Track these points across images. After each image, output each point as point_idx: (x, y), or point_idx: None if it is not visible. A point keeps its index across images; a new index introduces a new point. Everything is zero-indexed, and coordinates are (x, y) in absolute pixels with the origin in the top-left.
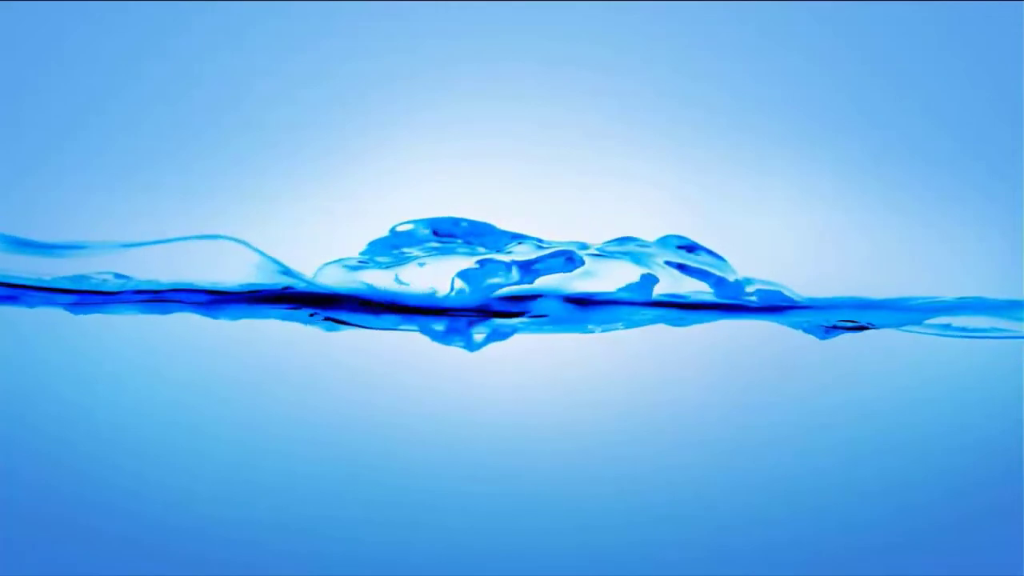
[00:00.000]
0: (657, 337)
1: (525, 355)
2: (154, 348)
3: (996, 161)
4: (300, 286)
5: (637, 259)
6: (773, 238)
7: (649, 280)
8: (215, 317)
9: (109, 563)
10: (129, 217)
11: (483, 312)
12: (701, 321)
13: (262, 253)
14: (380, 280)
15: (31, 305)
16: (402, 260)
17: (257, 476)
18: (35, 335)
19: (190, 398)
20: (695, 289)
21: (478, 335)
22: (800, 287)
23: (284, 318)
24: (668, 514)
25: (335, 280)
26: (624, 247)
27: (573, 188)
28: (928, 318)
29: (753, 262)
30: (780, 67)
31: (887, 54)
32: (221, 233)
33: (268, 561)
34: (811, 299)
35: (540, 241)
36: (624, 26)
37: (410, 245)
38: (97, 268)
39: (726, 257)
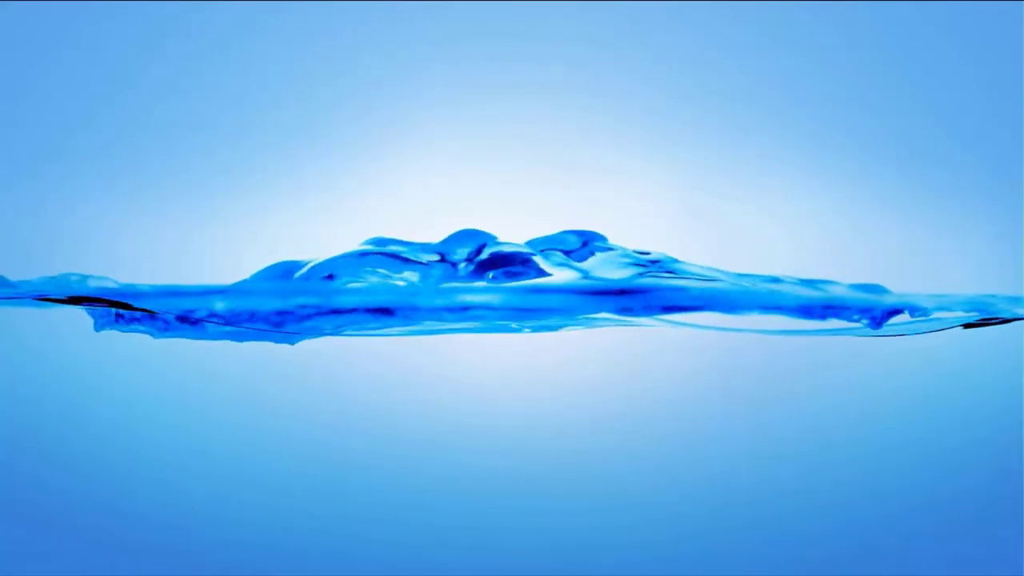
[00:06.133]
0: (658, 338)
1: (522, 357)
2: (150, 348)
3: (996, 161)
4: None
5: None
6: (772, 237)
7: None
8: None
9: (109, 564)
10: (129, 216)
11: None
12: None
13: None
14: None
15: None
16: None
17: (255, 477)
18: (33, 334)
19: (189, 400)
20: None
21: None
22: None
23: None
24: (667, 515)
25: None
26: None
27: (572, 188)
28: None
29: (752, 262)
30: (780, 67)
31: (887, 54)
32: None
33: (265, 562)
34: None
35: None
36: (623, 26)
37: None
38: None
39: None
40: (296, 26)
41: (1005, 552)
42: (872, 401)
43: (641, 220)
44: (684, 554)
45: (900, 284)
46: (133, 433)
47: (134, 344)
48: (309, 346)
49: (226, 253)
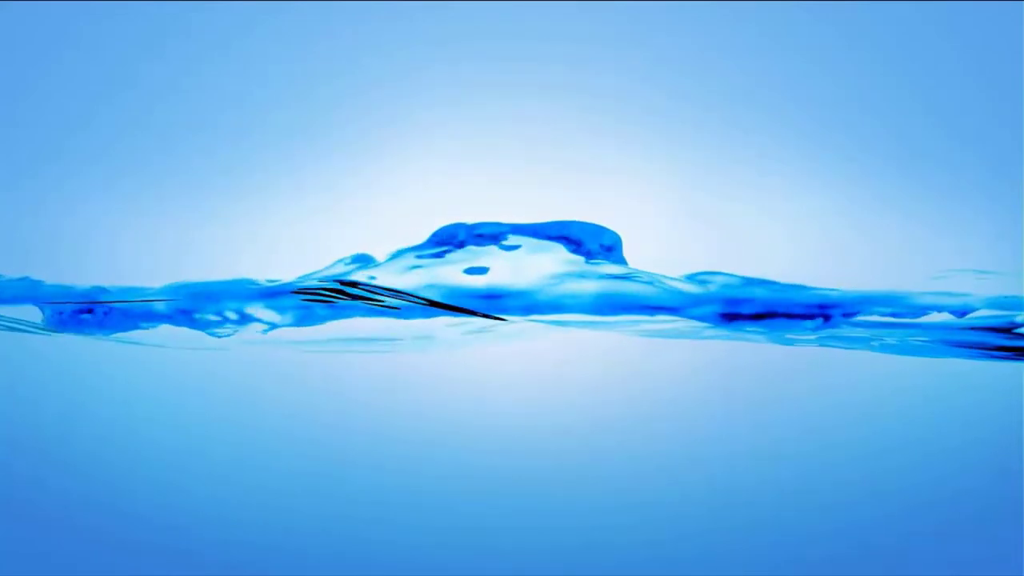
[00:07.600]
0: (654, 338)
1: (522, 357)
2: (151, 348)
3: (996, 161)
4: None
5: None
6: (772, 237)
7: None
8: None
9: (109, 564)
10: (129, 216)
11: None
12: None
13: None
14: None
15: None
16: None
17: (256, 477)
18: (33, 334)
19: (189, 400)
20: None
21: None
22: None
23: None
24: (667, 515)
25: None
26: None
27: (572, 188)
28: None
29: (752, 262)
30: (780, 67)
31: (887, 54)
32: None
33: (265, 562)
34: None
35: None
36: (623, 26)
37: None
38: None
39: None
40: (296, 26)
41: (1005, 552)
42: (872, 400)
43: (641, 220)
44: (684, 554)
45: (900, 284)
46: (133, 433)
47: (135, 344)
48: (309, 344)
49: (226, 253)
